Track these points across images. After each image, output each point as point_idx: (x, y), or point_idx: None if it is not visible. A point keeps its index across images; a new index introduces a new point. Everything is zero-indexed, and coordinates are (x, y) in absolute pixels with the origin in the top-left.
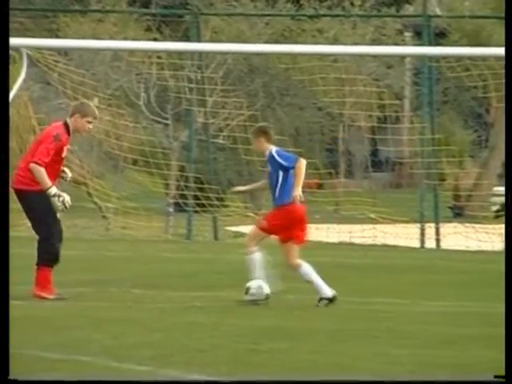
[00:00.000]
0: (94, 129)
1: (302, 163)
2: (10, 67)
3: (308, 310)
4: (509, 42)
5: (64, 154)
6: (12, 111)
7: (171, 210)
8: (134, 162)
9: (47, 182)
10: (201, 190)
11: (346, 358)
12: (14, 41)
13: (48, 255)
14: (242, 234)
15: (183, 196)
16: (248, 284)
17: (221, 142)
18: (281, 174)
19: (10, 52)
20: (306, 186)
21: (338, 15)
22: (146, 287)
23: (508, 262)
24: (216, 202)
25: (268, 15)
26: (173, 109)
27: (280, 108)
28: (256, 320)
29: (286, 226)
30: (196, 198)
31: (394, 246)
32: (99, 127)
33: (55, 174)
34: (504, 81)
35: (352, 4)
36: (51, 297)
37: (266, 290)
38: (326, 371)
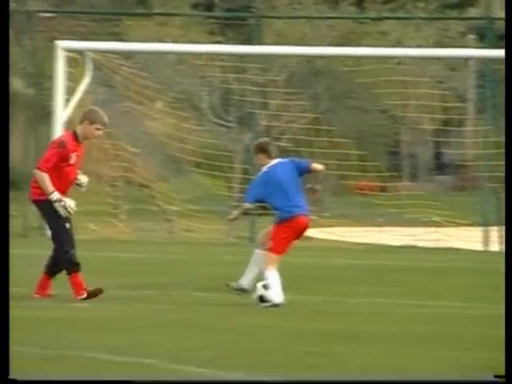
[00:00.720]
0: (158, 132)
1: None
2: (74, 70)
3: (369, 313)
4: (509, 42)
5: (73, 161)
6: (77, 114)
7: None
8: (198, 165)
9: (49, 187)
10: None
11: (406, 360)
12: (78, 44)
13: (67, 263)
14: (306, 237)
15: None
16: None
17: (283, 144)
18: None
19: (75, 55)
20: (365, 189)
21: (401, 18)
22: (207, 290)
23: (508, 262)
24: None
25: (331, 18)
26: (236, 112)
27: (343, 111)
28: (316, 323)
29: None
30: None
31: (457, 249)
32: (163, 130)
33: (66, 181)
34: (504, 80)
35: (415, 6)
36: (84, 296)
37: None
38: (387, 374)
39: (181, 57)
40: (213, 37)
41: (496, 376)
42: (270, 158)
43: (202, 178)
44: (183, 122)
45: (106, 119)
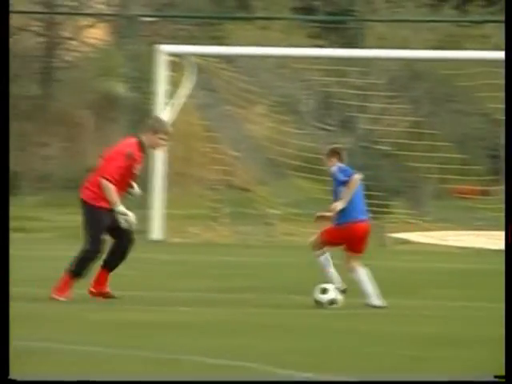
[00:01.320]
0: (258, 135)
1: (355, 179)
2: (175, 74)
3: (470, 317)
4: (508, 44)
5: (136, 171)
6: (179, 118)
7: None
8: (298, 169)
9: (115, 199)
10: (365, 196)
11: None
12: (180, 48)
13: (79, 266)
14: (406, 241)
15: None
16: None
17: (384, 148)
18: (340, 189)
19: (177, 59)
20: (465, 193)
21: (502, 21)
22: (308, 293)
23: (508, 261)
24: (380, 209)
25: (432, 21)
26: (336, 115)
27: (444, 114)
28: (417, 327)
29: (343, 243)
30: None
31: None
32: (263, 134)
33: (123, 189)
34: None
35: None
36: (61, 298)
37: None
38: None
39: (281, 60)
40: (314, 40)
41: (496, 376)
42: (341, 161)
43: (302, 181)
44: (284, 126)
45: (169, 128)
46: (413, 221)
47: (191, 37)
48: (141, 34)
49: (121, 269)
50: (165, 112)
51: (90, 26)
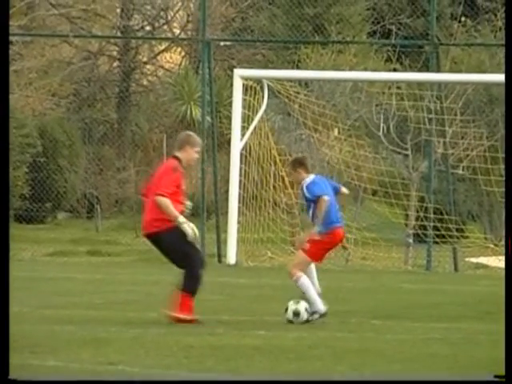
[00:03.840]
0: (334, 159)
1: (323, 201)
2: (251, 98)
3: None
4: (509, 47)
5: (183, 187)
6: (253, 141)
7: (411, 240)
8: (374, 193)
9: (174, 211)
10: (440, 220)
11: None
12: (256, 72)
13: (192, 282)
14: (482, 266)
15: (423, 227)
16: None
17: (460, 172)
18: (311, 205)
19: (253, 83)
20: None
21: None
22: (385, 318)
23: (508, 261)
24: (456, 233)
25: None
26: (412, 139)
27: None
28: (496, 351)
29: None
30: (436, 228)
31: None
32: (339, 158)
33: (179, 203)
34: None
35: None
36: (188, 318)
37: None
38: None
39: (357, 84)
40: (389, 64)
41: (496, 376)
42: (308, 172)
43: (379, 205)
44: (359, 150)
45: (200, 141)
46: (489, 245)
47: (267, 61)
48: (217, 58)
49: (208, 294)
50: (240, 136)
51: (166, 51)
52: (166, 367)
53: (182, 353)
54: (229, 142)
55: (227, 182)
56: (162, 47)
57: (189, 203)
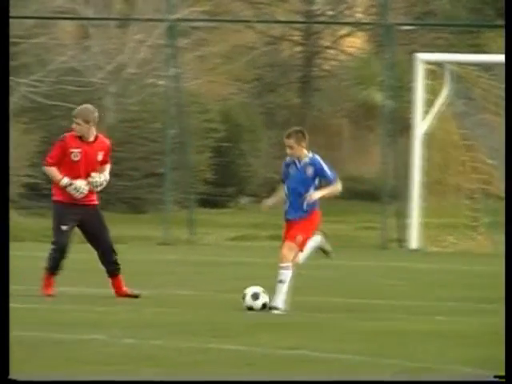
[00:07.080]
0: None
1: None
2: (433, 82)
3: None
4: (509, 46)
5: (76, 158)
6: (436, 126)
7: None
8: None
9: (57, 175)
10: None
11: None
12: (439, 56)
13: (50, 260)
14: None
15: None
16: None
17: None
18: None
19: (434, 67)
20: None
21: None
22: None
23: (508, 262)
24: None
25: None
26: None
27: None
28: None
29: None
30: None
31: None
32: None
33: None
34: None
35: None
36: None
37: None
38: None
39: None
40: None
41: (496, 376)
42: (306, 148)
43: None
44: None
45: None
46: None
47: (449, 45)
48: (399, 42)
49: (387, 278)
50: (422, 121)
51: (349, 35)
52: (343, 351)
53: (343, 337)
54: (410, 127)
55: (409, 167)
56: (344, 32)
57: (96, 177)
